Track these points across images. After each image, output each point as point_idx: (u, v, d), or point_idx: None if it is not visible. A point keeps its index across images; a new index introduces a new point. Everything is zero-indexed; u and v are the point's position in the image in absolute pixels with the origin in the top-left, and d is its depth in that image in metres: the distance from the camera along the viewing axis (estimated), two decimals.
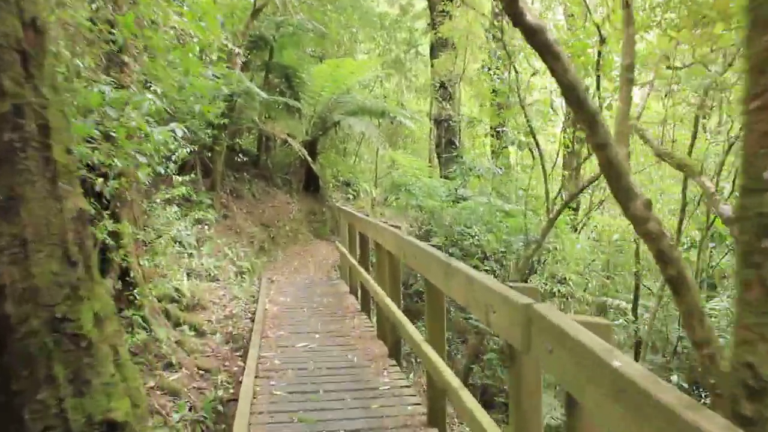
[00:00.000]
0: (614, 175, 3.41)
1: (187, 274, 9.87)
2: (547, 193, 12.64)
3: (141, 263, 7.80)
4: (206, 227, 12.07)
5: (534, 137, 12.84)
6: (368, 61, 18.36)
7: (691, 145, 9.94)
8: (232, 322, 8.69)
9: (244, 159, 13.93)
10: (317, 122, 18.54)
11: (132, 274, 7.27)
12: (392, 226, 7.33)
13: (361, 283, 9.08)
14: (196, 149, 12.91)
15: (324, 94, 17.91)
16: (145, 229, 8.66)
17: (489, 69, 18.39)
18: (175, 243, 10.49)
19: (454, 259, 4.09)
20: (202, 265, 10.34)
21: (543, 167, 12.87)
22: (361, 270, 8.72)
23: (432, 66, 19.54)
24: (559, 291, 11.33)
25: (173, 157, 9.46)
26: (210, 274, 10.42)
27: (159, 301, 8.06)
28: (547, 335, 2.42)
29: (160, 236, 9.46)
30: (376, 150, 30.00)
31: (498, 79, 17.09)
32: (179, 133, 6.68)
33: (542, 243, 12.23)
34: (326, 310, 9.45)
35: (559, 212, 12.17)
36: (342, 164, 22.55)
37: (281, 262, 14.10)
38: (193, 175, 12.15)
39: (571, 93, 3.37)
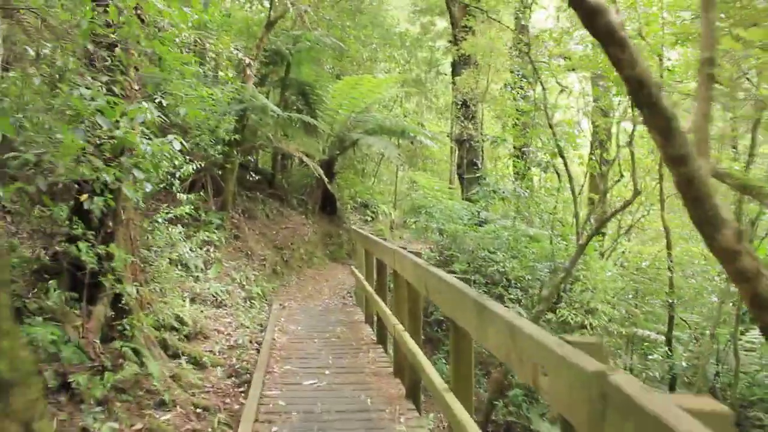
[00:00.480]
0: (695, 196, 2.68)
1: (191, 300, 9.21)
2: (576, 217, 11.88)
3: (139, 288, 7.16)
4: (214, 249, 11.44)
5: (563, 157, 12.10)
6: (388, 79, 17.77)
7: (747, 165, 9.13)
8: (237, 354, 7.99)
9: (257, 178, 13.30)
10: (335, 141, 17.96)
11: (125, 300, 6.63)
12: (412, 253, 6.64)
13: (378, 313, 8.36)
14: (204, 166, 12.35)
15: (342, 112, 17.35)
16: (144, 251, 8.04)
17: (512, 88, 17.78)
18: (180, 265, 9.86)
19: (489, 299, 3.34)
20: (208, 289, 9.68)
21: (572, 190, 12.11)
22: (378, 300, 7.99)
23: (453, 84, 18.95)
24: (590, 324, 10.51)
25: (177, 174, 8.87)
26: (216, 300, 9.76)
27: (157, 329, 7.39)
28: (631, 423, 1.68)
29: (162, 259, 8.84)
30: (396, 171, 29.47)
31: (522, 97, 16.44)
32: (177, 146, 6.05)
33: (571, 271, 11.47)
34: (339, 341, 8.73)
35: (589, 238, 11.41)
36: (360, 185, 21.91)
37: (294, 286, 13.41)
38: (201, 194, 11.57)
39: (641, 91, 2.66)
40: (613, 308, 11.99)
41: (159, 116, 6.14)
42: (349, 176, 21.36)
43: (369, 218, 20.30)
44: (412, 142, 18.49)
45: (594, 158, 13.49)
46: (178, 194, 9.02)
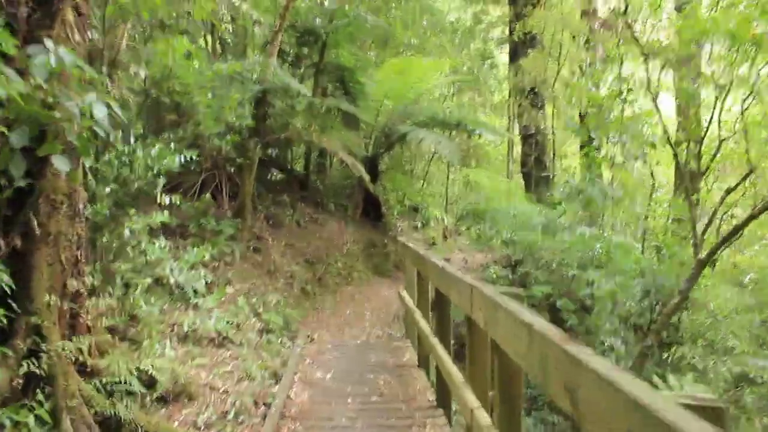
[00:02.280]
0: None
1: (182, 339, 6.77)
2: (693, 224, 9.08)
3: (76, 339, 4.75)
4: (225, 266, 9.03)
5: (674, 150, 9.33)
6: (440, 63, 15.15)
7: None
8: (231, 428, 5.48)
9: (279, 176, 10.80)
10: (379, 136, 15.44)
11: (46, 349, 4.23)
12: (509, 294, 4.06)
13: (437, 366, 5.74)
14: (217, 162, 9.97)
15: (388, 102, 14.82)
16: (91, 275, 5.62)
17: (589, 66, 15.04)
18: (175, 290, 7.45)
19: None
20: (208, 322, 7.22)
21: (687, 191, 9.33)
22: (438, 348, 5.38)
23: (513, 70, 16.25)
24: (730, 371, 7.69)
25: (156, 168, 6.45)
26: (219, 337, 7.30)
27: (110, 395, 4.97)
28: None
29: (139, 282, 6.42)
30: (447, 171, 26.82)
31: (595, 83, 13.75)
32: (100, 113, 3.58)
33: (688, 294, 8.74)
34: (382, 401, 6.17)
35: (714, 252, 8.67)
36: (408, 187, 19.29)
37: (328, 310, 10.90)
38: (208, 197, 9.17)
39: None
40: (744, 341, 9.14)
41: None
42: (396, 177, 18.77)
43: (419, 224, 17.69)
44: (469, 136, 15.77)
45: (688, 152, 10.72)
46: (159, 197, 6.58)
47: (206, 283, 8.10)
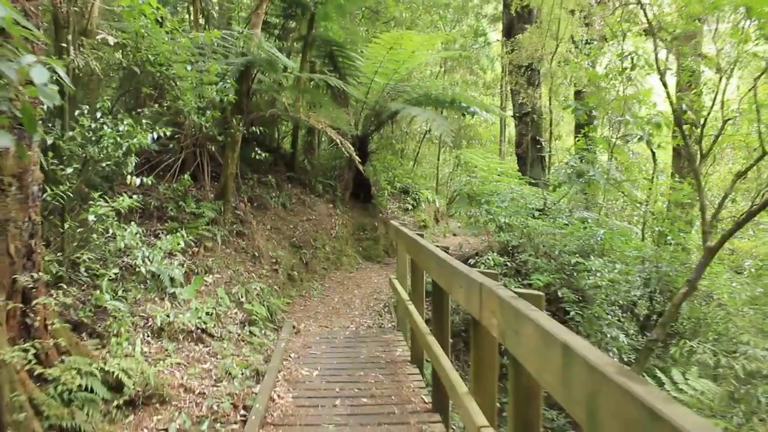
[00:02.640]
0: None
1: (156, 334, 6.21)
2: (702, 210, 8.57)
3: (39, 331, 4.18)
4: (206, 252, 8.44)
5: (682, 131, 8.78)
6: (433, 37, 14.47)
7: None
8: None
9: (263, 156, 10.14)
10: (369, 114, 14.81)
11: None
12: (488, 273, 3.56)
13: (434, 368, 5.21)
14: (199, 140, 9.35)
15: (378, 79, 14.19)
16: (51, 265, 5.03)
17: (586, 42, 14.42)
18: (148, 280, 6.86)
19: None
20: (184, 315, 6.65)
21: (695, 173, 8.80)
22: (436, 348, 4.84)
23: (505, 48, 15.60)
24: (744, 367, 7.21)
25: (125, 146, 5.83)
26: (198, 330, 6.74)
27: (69, 403, 4.40)
28: None
29: (107, 271, 5.82)
30: (438, 152, 26.24)
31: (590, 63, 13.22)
32: (40, 78, 2.98)
33: (696, 284, 8.25)
34: (374, 403, 5.64)
35: (725, 239, 8.18)
36: (399, 168, 18.71)
37: (316, 297, 10.36)
38: (186, 177, 8.55)
39: None
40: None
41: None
42: (386, 157, 18.19)
43: (410, 206, 17.13)
44: (463, 115, 15.15)
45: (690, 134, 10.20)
46: (129, 178, 5.97)
47: (184, 271, 7.53)
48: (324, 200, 13.20)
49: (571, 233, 8.92)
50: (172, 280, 7.23)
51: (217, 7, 13.52)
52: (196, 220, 8.74)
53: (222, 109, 8.84)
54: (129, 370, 5.06)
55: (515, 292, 2.99)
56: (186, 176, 8.47)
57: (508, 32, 18.33)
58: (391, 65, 13.94)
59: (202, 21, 11.74)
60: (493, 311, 3.08)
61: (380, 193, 16.02)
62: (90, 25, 7.46)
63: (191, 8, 11.36)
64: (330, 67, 14.16)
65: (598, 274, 8.32)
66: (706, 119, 10.48)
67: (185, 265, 7.71)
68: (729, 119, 10.07)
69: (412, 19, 20.31)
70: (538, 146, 15.37)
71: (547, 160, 16.06)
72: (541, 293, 3.07)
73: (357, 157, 11.52)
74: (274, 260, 9.99)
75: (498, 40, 29.47)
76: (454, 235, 13.97)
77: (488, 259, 8.79)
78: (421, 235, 6.66)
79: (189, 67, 7.69)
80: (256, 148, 9.64)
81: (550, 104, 14.16)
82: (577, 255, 8.45)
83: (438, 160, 25.74)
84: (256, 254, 9.67)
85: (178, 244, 7.08)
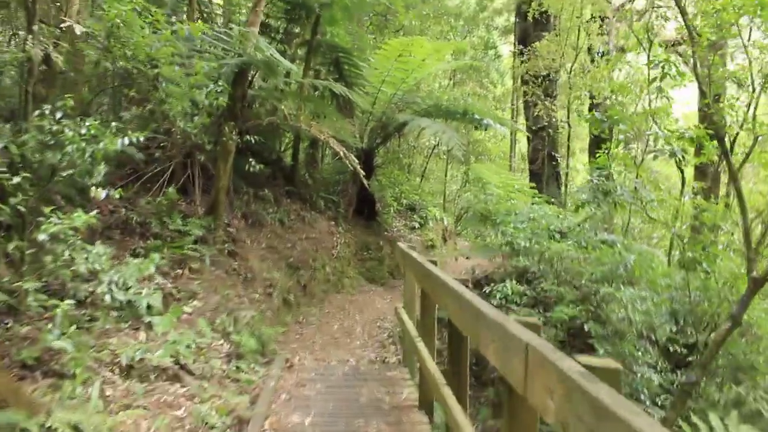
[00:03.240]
0: None
1: (120, 374, 5.31)
2: (746, 234, 7.67)
3: None
4: (191, 274, 7.55)
5: (723, 146, 7.89)
6: (445, 44, 13.64)
7: None
8: None
9: (262, 168, 9.25)
10: (375, 126, 13.96)
11: None
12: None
13: (448, 424, 4.29)
14: (188, 149, 8.52)
15: (386, 88, 13.35)
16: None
17: (602, 55, 13.60)
18: (117, 309, 5.97)
19: None
20: (158, 351, 5.75)
21: (739, 192, 7.90)
22: (454, 408, 3.92)
23: (517, 59, 14.76)
24: None
25: (89, 152, 4.96)
26: (175, 366, 5.84)
27: None
28: None
29: (46, 305, 4.93)
30: (446, 167, 25.36)
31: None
32: None
33: (740, 319, 7.35)
34: None
35: None
36: (405, 184, 17.82)
37: (313, 325, 9.45)
38: (171, 190, 7.69)
39: None
40: None
41: None
42: (393, 172, 17.31)
43: (417, 225, 16.22)
44: (476, 127, 14.24)
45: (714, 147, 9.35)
46: (93, 189, 5.09)
47: (163, 296, 6.64)
48: (325, 217, 12.31)
49: (598, 259, 7.99)
50: (149, 307, 6.34)
51: (219, 10, 12.76)
52: (181, 238, 7.87)
53: (214, 115, 8.00)
54: (79, 425, 4.17)
55: (583, 365, 2.09)
56: (171, 189, 7.60)
57: (523, 42, 17.55)
58: (400, 74, 13.12)
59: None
60: (550, 390, 2.16)
61: (386, 210, 15.14)
62: (67, 15, 6.64)
63: (187, 8, 10.57)
64: (335, 75, 13.34)
65: (629, 306, 7.39)
66: (737, 135, 9.65)
67: (166, 290, 6.83)
68: (760, 135, 9.24)
69: (422, 28, 19.51)
70: (554, 162, 14.49)
71: (563, 176, 15.17)
72: (618, 367, 2.17)
73: (362, 171, 10.65)
74: (268, 283, 9.09)
75: (511, 52, 28.74)
76: (467, 258, 13.03)
77: (505, 287, 7.86)
78: (435, 263, 5.76)
79: (177, 68, 6.86)
80: (251, 159, 8.75)
81: (568, 117, 13.28)
82: (606, 283, 7.52)
83: (446, 176, 24.88)
84: (249, 276, 8.77)
85: (154, 266, 6.21)
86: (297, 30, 12.73)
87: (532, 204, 10.35)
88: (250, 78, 9.82)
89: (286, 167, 12.71)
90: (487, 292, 8.24)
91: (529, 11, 15.45)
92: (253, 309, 8.09)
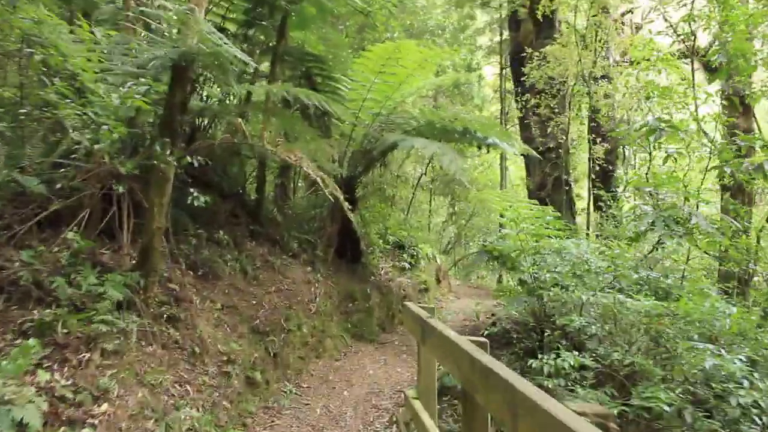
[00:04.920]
0: None
1: None
2: None
3: None
4: (102, 359, 5.09)
5: None
6: (439, 51, 11.49)
7: None
8: None
9: (216, 202, 6.74)
10: (357, 151, 11.70)
11: None
12: None
13: None
14: (106, 174, 6.16)
15: (369, 105, 11.15)
16: None
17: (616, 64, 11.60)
18: None
19: None
20: None
21: None
22: None
23: (519, 72, 12.65)
24: None
25: None
26: None
27: None
28: None
29: None
30: (430, 197, 23.24)
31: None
32: None
33: None
34: None
35: None
36: (391, 218, 15.50)
37: (288, 411, 6.98)
38: (73, 234, 5.29)
39: None
40: None
41: None
42: (376, 205, 14.97)
43: (407, 265, 13.87)
44: (479, 148, 11.98)
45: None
46: None
47: (49, 405, 4.19)
48: (300, 262, 9.87)
49: (686, 313, 5.68)
50: (21, 425, 3.90)
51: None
52: (93, 305, 5.41)
53: (138, 127, 5.63)
54: None
55: None
56: (74, 234, 5.18)
57: (516, 56, 15.60)
58: (385, 88, 10.92)
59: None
60: None
61: (371, 250, 12.78)
62: None
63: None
64: (306, 85, 11.03)
65: (746, 383, 5.10)
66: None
67: (56, 392, 4.38)
68: None
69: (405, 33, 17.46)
70: (567, 187, 12.33)
71: (575, 204, 13.00)
72: None
73: (346, 203, 8.32)
74: (225, 357, 6.63)
75: (495, 74, 26.92)
76: (455, 295, 10.69)
77: (562, 359, 5.48)
78: (484, 345, 3.41)
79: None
80: (192, 189, 6.32)
81: (589, 133, 11.13)
82: (709, 351, 5.21)
83: (430, 204, 22.76)
84: (197, 350, 6.31)
85: (29, 358, 3.79)
86: (260, 36, 10.47)
87: (567, 238, 8.10)
88: (198, 82, 7.52)
89: (250, 201, 10.30)
90: (523, 369, 5.91)
91: (522, 16, 13.48)
92: (202, 401, 5.64)
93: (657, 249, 7.39)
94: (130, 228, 6.72)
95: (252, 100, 9.32)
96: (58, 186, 5.95)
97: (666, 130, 7.00)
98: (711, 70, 11.97)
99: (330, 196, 8.84)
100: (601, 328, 5.99)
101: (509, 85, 24.66)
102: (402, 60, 10.43)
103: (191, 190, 6.24)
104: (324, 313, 9.38)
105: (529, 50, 11.55)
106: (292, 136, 9.73)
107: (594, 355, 5.82)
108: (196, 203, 6.22)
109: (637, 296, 6.11)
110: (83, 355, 4.94)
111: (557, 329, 6.50)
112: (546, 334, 6.68)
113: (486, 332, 8.04)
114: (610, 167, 14.00)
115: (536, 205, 7.95)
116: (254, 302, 7.93)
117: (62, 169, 5.72)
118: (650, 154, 9.07)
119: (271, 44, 10.33)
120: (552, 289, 6.55)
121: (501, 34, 23.85)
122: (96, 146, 4.76)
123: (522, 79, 14.57)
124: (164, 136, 6.09)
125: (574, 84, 11.13)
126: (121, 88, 5.16)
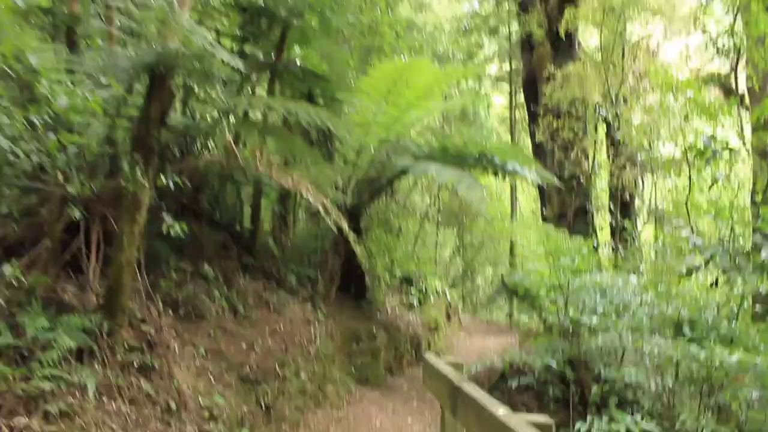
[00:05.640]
0: None
1: None
2: None
3: None
4: (46, 425, 4.09)
5: None
6: (455, 70, 10.65)
7: None
8: None
9: (178, 230, 5.65)
10: (361, 180, 10.77)
11: None
12: None
13: None
14: (70, 200, 5.22)
15: (376, 128, 10.26)
16: None
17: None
18: None
19: None
20: None
21: None
22: None
23: (536, 96, 11.79)
24: None
25: None
26: None
27: None
28: None
29: None
30: (437, 229, 22.32)
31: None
32: None
33: None
34: None
35: None
36: (397, 250, 14.50)
37: None
38: (12, 268, 4.30)
39: None
40: None
41: None
42: (382, 237, 13.98)
43: (415, 301, 12.86)
44: (496, 174, 10.96)
45: None
46: None
47: None
48: (299, 299, 8.86)
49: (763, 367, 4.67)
50: None
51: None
52: (43, 354, 4.43)
53: (101, 144, 4.70)
54: None
55: None
56: (12, 269, 4.21)
57: (530, 80, 14.85)
58: (393, 110, 10.04)
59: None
60: None
61: (377, 285, 11.77)
62: None
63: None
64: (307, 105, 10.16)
65: None
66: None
67: None
68: None
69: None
70: (590, 217, 11.40)
71: (597, 235, 12.04)
72: None
73: (352, 233, 7.36)
74: (207, 412, 5.59)
75: (502, 105, 26.24)
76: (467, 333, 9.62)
77: (617, 422, 4.45)
78: (548, 429, 2.42)
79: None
80: (164, 214, 5.34)
81: (612, 161, 10.19)
82: None
83: (437, 235, 21.83)
84: (173, 405, 5.28)
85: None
86: (258, 51, 9.63)
87: (601, 271, 7.12)
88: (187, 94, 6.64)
89: (244, 232, 9.34)
90: (579, 430, 4.86)
91: (538, 39, 12.70)
92: None
93: (714, 286, 6.40)
94: (99, 261, 5.77)
95: (249, 118, 8.44)
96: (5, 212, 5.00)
97: (720, 151, 6.07)
98: (730, 93, 11.20)
99: (333, 226, 7.90)
100: (660, 383, 4.97)
101: (518, 113, 23.98)
102: (412, 80, 9.58)
103: (162, 213, 5.27)
104: (325, 357, 8.35)
105: (550, 71, 10.84)
106: (292, 161, 8.83)
107: (651, 416, 4.78)
108: (172, 232, 5.23)
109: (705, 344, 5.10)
110: (18, 419, 3.94)
111: (606, 381, 5.46)
112: (592, 390, 5.63)
113: (513, 382, 6.98)
114: (629, 196, 13.16)
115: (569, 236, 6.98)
116: (244, 346, 6.91)
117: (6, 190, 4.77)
118: (690, 179, 8.12)
119: (269, 61, 9.48)
120: (600, 333, 5.54)
121: (510, 62, 23.17)
122: (40, 162, 3.83)
123: (532, 109, 13.82)
124: (138, 151, 5.17)
125: (601, 106, 10.30)
126: (86, 93, 4.25)
